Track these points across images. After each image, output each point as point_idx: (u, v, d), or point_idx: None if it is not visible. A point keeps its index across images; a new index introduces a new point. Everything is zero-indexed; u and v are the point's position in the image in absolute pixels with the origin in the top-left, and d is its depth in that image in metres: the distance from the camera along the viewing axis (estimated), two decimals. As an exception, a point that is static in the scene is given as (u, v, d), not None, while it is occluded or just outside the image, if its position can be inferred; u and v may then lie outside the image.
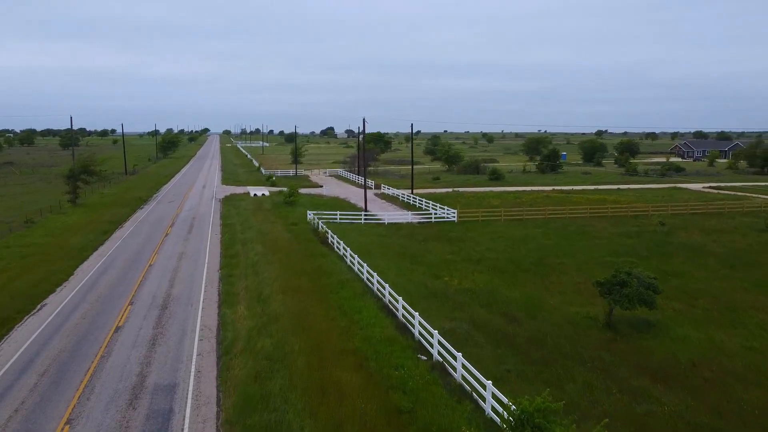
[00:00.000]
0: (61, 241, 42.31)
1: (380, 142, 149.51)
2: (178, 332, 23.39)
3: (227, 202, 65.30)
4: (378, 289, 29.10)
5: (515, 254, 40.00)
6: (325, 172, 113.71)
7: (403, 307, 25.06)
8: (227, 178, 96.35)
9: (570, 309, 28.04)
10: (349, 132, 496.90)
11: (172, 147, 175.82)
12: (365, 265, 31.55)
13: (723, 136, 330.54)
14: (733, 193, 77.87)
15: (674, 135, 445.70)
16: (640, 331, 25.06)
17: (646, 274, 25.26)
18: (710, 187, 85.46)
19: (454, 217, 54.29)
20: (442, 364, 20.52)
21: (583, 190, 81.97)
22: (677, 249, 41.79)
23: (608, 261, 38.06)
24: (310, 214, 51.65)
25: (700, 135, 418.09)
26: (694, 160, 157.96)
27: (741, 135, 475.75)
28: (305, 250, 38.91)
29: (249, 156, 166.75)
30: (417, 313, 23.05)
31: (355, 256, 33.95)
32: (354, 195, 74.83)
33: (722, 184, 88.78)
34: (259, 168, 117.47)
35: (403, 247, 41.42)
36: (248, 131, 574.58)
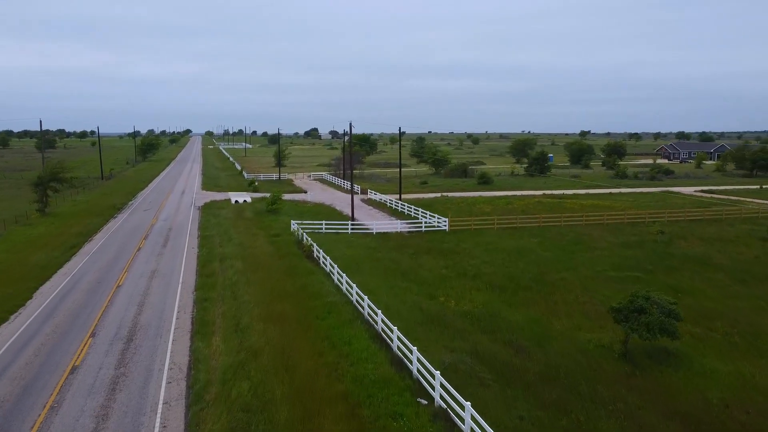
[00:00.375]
0: (23, 257, 39.01)
1: (366, 144, 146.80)
2: (143, 372, 20.52)
3: (207, 210, 62.17)
4: (369, 314, 26.44)
5: (513, 269, 37.59)
6: (310, 176, 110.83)
7: (398, 338, 22.44)
8: (208, 183, 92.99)
9: (580, 335, 25.64)
10: (334, 133, 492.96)
11: (152, 150, 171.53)
12: (354, 285, 28.88)
13: (705, 138, 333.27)
14: (726, 197, 76.46)
15: (657, 136, 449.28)
16: (660, 362, 22.71)
17: (665, 299, 22.91)
18: (702, 191, 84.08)
19: (445, 225, 51.84)
20: (446, 411, 17.93)
21: (574, 194, 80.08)
22: (682, 261, 39.70)
23: (612, 276, 35.82)
24: (294, 225, 48.84)
25: (682, 136, 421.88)
26: (681, 162, 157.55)
27: (722, 135, 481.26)
28: (289, 266, 36.11)
29: (231, 159, 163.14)
30: (415, 348, 20.44)
31: (343, 275, 31.27)
32: (340, 201, 72.10)
33: (714, 188, 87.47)
34: (241, 172, 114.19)
35: (394, 262, 38.80)
36: (231, 132, 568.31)
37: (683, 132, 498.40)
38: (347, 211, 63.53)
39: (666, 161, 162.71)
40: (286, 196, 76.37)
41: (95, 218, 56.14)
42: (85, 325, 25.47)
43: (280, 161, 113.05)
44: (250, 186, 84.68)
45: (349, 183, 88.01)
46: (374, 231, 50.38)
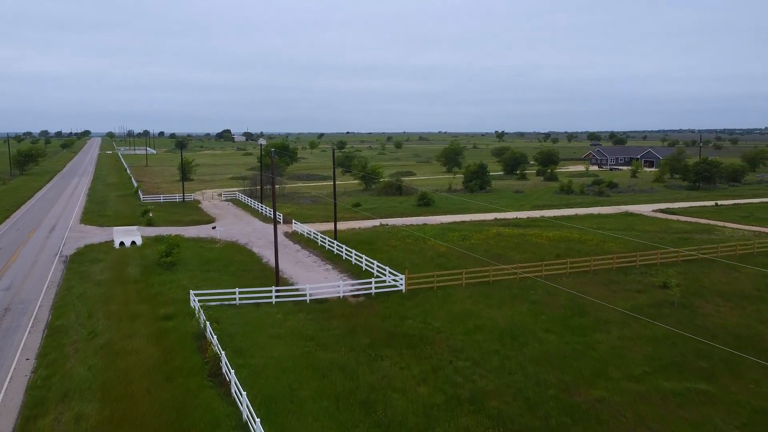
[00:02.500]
0: None
1: (285, 154, 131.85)
2: None
3: (76, 264, 46.18)
4: None
5: (519, 377, 25.75)
6: (221, 195, 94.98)
7: None
8: (90, 212, 75.35)
9: None
10: (248, 135, 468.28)
11: (32, 160, 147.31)
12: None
13: (617, 140, 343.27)
14: (692, 220, 69.24)
15: (570, 137, 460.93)
16: None
17: None
18: (660, 211, 77.03)
19: (401, 284, 39.37)
20: None
21: (528, 218, 70.36)
22: (734, 346, 29.44)
23: (668, 390, 24.71)
24: (194, 300, 34.45)
25: (593, 137, 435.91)
26: (611, 170, 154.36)
27: (627, 135, 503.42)
28: (180, 406, 22.20)
29: (129, 171, 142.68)
30: None
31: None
32: (258, 236, 57.92)
33: (671, 206, 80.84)
34: (136, 191, 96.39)
35: (347, 373, 25.83)
36: (135, 134, 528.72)
37: (593, 133, 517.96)
38: (268, 255, 49.74)
39: (596, 168, 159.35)
40: (191, 230, 61.30)
41: None
42: None
43: (184, 177, 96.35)
44: (144, 216, 68.37)
45: (268, 208, 73.71)
46: (308, 296, 37.11)
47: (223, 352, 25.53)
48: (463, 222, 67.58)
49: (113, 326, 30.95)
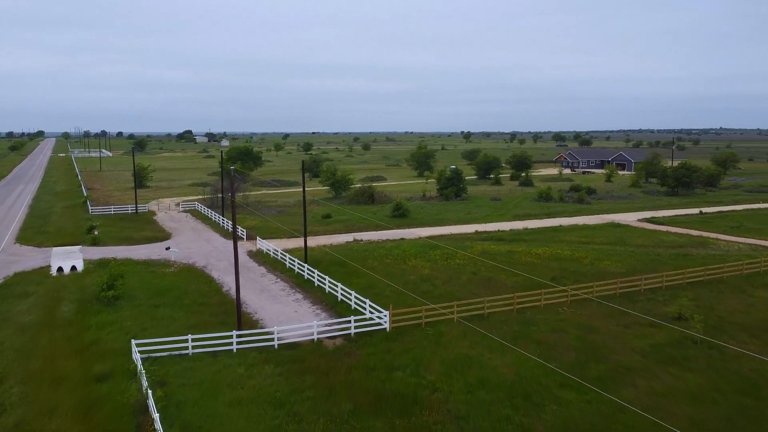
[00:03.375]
0: None
1: (248, 159, 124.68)
2: None
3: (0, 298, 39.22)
4: None
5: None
6: (179, 205, 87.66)
7: None
8: (29, 227, 67.54)
9: None
10: (210, 135, 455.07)
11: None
12: None
13: (583, 141, 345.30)
14: (684, 231, 65.71)
15: (536, 137, 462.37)
16: None
17: None
18: (646, 220, 73.56)
19: (385, 322, 33.93)
20: None
21: (511, 230, 65.79)
22: (784, 404, 24.97)
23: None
24: (136, 353, 28.21)
25: (558, 137, 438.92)
26: (583, 173, 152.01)
27: (590, 135, 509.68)
28: None
29: (80, 176, 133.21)
30: None
31: None
32: (218, 256, 51.63)
33: (656, 215, 77.53)
34: (85, 201, 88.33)
35: (327, 463, 20.26)
36: (92, 134, 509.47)
37: (558, 133, 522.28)
38: (229, 282, 43.68)
39: (569, 171, 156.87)
40: (142, 251, 54.56)
41: None
42: None
43: (137, 186, 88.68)
44: (89, 233, 61.12)
45: (229, 222, 67.23)
46: (276, 340, 31.32)
47: (166, 442, 19.61)
48: (443, 236, 62.54)
49: (30, 395, 24.59)
